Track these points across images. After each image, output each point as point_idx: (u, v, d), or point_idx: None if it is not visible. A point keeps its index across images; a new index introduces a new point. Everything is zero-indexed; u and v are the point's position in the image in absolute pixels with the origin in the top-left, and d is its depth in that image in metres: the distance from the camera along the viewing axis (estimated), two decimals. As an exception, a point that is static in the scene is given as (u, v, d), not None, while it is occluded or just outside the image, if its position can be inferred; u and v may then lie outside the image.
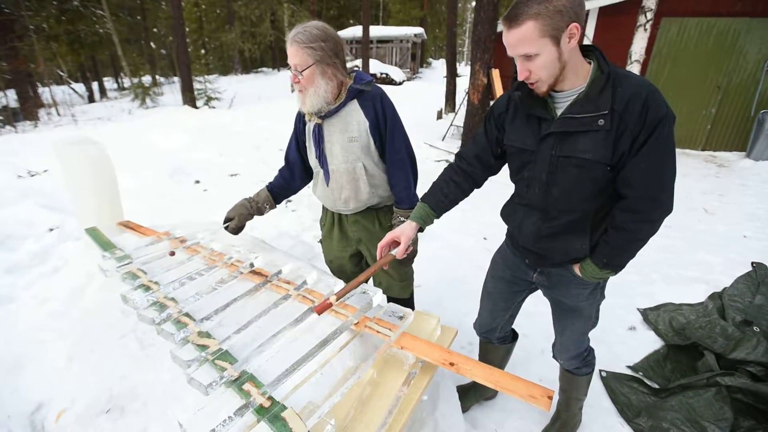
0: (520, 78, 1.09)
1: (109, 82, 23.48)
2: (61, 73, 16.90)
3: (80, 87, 19.05)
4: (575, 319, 1.45)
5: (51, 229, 3.46)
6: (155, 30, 22.02)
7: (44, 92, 14.29)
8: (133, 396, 1.07)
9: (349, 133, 1.55)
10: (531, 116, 1.19)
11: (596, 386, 2.01)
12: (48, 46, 15.31)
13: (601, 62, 1.09)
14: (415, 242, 1.67)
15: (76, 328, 1.37)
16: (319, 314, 1.19)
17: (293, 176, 1.81)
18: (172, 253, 1.66)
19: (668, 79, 6.51)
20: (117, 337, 1.26)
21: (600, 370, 2.08)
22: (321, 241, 1.97)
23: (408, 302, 1.94)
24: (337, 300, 1.22)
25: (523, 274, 1.48)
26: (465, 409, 1.80)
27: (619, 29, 6.04)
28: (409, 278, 1.90)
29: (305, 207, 4.10)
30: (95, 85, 19.84)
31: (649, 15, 5.08)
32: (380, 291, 1.38)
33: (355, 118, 1.54)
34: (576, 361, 1.59)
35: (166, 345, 1.17)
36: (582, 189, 1.16)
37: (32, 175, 5.12)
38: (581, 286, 1.35)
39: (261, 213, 1.81)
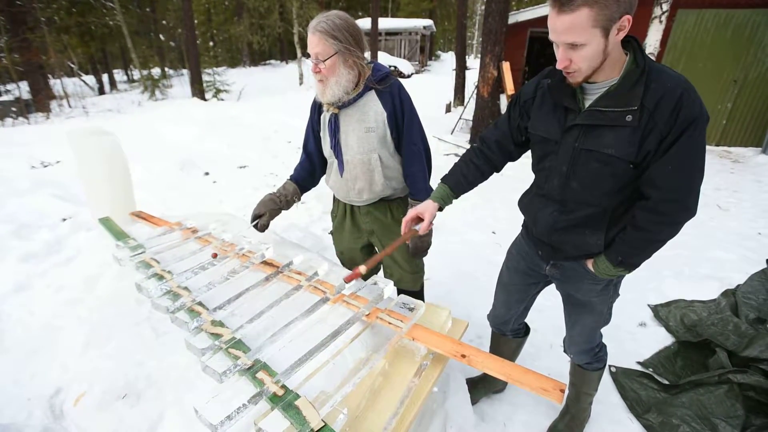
0: (559, 66, 1.04)
1: (118, 74, 23.63)
2: (72, 66, 17.04)
3: (90, 79, 19.20)
4: (586, 314, 1.44)
5: (64, 219, 3.51)
6: (164, 22, 22.05)
7: (55, 84, 14.43)
8: (149, 382, 1.09)
9: (366, 124, 1.54)
10: (558, 106, 1.16)
11: (606, 381, 2.00)
12: (59, 39, 15.43)
13: (638, 55, 1.04)
14: (430, 234, 1.67)
15: (92, 315, 1.40)
16: (347, 282, 1.26)
17: (314, 167, 1.79)
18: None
19: (683, 73, 6.25)
20: (132, 325, 1.28)
21: (609, 366, 2.07)
22: (332, 233, 1.98)
23: (418, 295, 1.95)
24: (366, 270, 1.23)
25: (537, 266, 1.47)
26: (474, 401, 1.80)
27: (633, 21, 5.92)
28: (420, 270, 1.90)
29: (314, 199, 4.11)
30: (105, 77, 19.98)
31: (665, 6, 4.97)
32: (391, 283, 1.39)
33: (372, 109, 1.54)
34: (586, 356, 1.58)
35: (180, 333, 1.18)
36: (602, 184, 1.13)
37: (45, 166, 5.19)
38: (593, 282, 1.34)
39: (289, 207, 1.77)
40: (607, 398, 1.93)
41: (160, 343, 1.20)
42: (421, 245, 1.67)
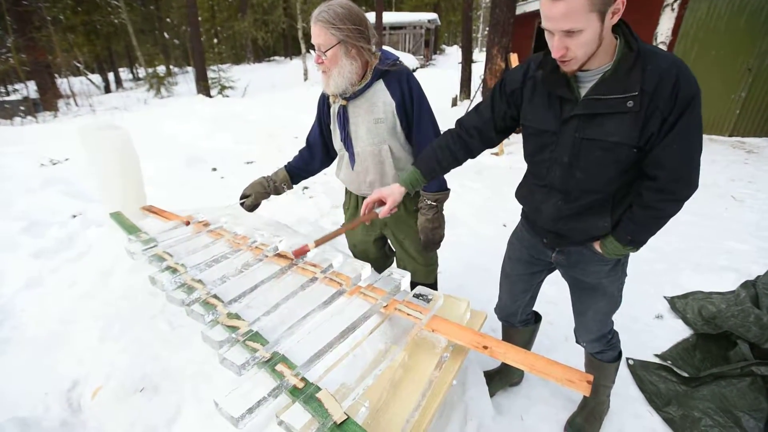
0: (555, 55, 1.00)
1: (124, 73, 23.73)
2: (78, 65, 17.13)
3: (96, 78, 19.29)
4: (598, 298, 1.41)
5: (74, 216, 3.52)
6: (168, 20, 22.08)
7: (62, 83, 14.52)
8: (166, 375, 1.08)
9: (375, 115, 1.51)
10: (553, 96, 1.13)
11: (623, 374, 1.97)
12: (65, 38, 15.53)
13: (630, 38, 1.02)
14: (442, 225, 1.64)
15: (106, 309, 1.39)
16: (297, 257, 1.23)
17: (313, 157, 1.79)
18: (187, 223, 1.74)
19: (696, 62, 6.25)
20: (146, 318, 1.27)
21: (627, 358, 2.04)
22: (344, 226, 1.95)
23: (432, 288, 1.91)
24: (316, 245, 1.23)
25: (541, 254, 1.45)
26: (491, 394, 1.77)
27: (644, 8, 5.80)
28: (433, 263, 1.87)
29: (323, 194, 4.09)
30: (111, 76, 20.08)
31: (678, -7, 4.86)
32: (408, 274, 1.36)
33: (381, 99, 1.50)
34: (599, 343, 1.54)
35: (195, 326, 1.16)
36: (606, 171, 1.12)
37: (54, 164, 5.22)
38: (602, 263, 1.32)
39: (278, 193, 1.81)
40: (625, 391, 1.89)
41: (175, 336, 1.18)
42: (433, 238, 1.64)
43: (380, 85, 1.50)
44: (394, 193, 1.34)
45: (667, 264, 2.87)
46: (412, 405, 0.99)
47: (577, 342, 1.62)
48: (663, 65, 0.98)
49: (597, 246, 1.26)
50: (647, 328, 2.30)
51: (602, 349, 1.56)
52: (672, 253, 2.97)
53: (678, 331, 2.28)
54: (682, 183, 1.08)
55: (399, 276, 1.35)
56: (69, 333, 1.37)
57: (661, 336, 2.24)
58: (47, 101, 11.76)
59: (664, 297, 2.55)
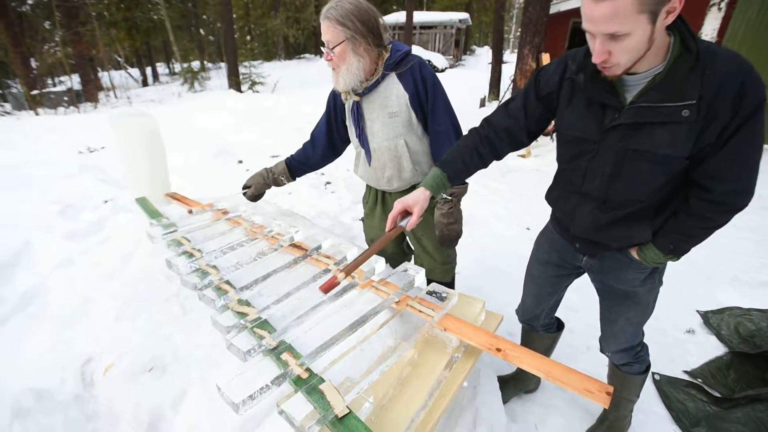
0: (595, 60, 0.90)
1: (161, 67, 24.63)
2: (119, 59, 17.89)
3: (135, 72, 20.10)
4: (630, 306, 1.32)
5: (106, 201, 3.66)
6: (205, 17, 22.77)
7: (103, 76, 15.21)
8: (175, 357, 1.09)
9: (389, 109, 1.48)
10: (593, 102, 1.03)
11: (648, 389, 1.87)
12: (108, 33, 16.24)
13: (687, 37, 0.90)
14: (459, 221, 1.59)
15: (125, 290, 1.42)
16: (325, 293, 1.06)
17: (314, 151, 1.78)
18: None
19: None
20: (161, 300, 1.28)
21: (653, 373, 1.93)
22: (363, 219, 1.93)
23: (449, 286, 1.87)
24: (345, 276, 1.07)
25: (570, 258, 1.37)
26: (505, 401, 1.71)
27: (688, 7, 5.52)
28: (452, 261, 1.82)
29: (344, 188, 4.10)
30: (149, 70, 20.88)
31: (726, -8, 4.60)
32: (423, 271, 1.32)
33: (394, 92, 1.47)
34: (626, 355, 1.45)
35: (207, 311, 1.17)
36: (653, 183, 1.03)
37: (91, 151, 5.45)
38: (638, 270, 1.23)
39: (277, 184, 1.83)
40: (649, 407, 1.79)
41: (187, 320, 1.19)
42: (449, 234, 1.59)
43: (393, 79, 1.47)
44: (419, 201, 1.19)
45: (700, 276, 2.71)
46: (418, 404, 0.95)
47: (601, 351, 1.54)
48: (725, 68, 0.87)
49: (634, 253, 1.17)
50: (677, 342, 2.18)
51: (629, 361, 1.47)
52: (706, 265, 2.80)
53: (711, 348, 2.14)
54: (740, 194, 0.98)
55: (413, 272, 1.32)
56: (88, 311, 1.41)
57: (692, 352, 2.11)
58: (89, 93, 12.34)
59: (697, 311, 2.40)
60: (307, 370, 0.93)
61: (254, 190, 1.83)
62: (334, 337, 1.01)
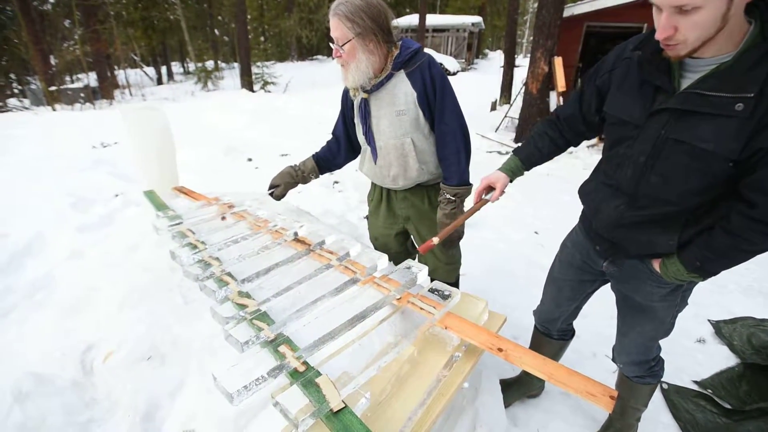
0: (659, 36, 0.83)
1: (176, 66, 25.00)
2: (135, 57, 18.21)
3: (150, 70, 20.44)
4: (644, 320, 1.26)
5: (116, 195, 3.70)
6: (219, 18, 23.08)
7: (119, 74, 15.50)
8: (174, 347, 1.09)
9: (397, 107, 1.46)
10: (646, 83, 0.96)
11: (655, 398, 1.81)
12: (125, 32, 16.56)
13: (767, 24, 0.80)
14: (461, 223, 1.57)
15: (129, 279, 1.43)
16: (423, 253, 1.28)
17: (339, 150, 1.78)
18: (224, 218, 1.71)
19: None
20: (164, 291, 1.29)
21: (661, 382, 1.88)
22: (367, 217, 1.92)
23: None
24: (439, 241, 1.25)
25: (592, 262, 1.31)
26: (507, 404, 1.69)
27: None
28: (456, 261, 1.80)
29: (352, 188, 4.10)
30: (164, 69, 21.21)
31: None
32: (426, 268, 1.31)
33: (402, 90, 1.45)
34: (639, 368, 1.40)
35: (208, 302, 1.17)
36: (688, 181, 0.93)
37: (104, 146, 5.54)
38: (657, 284, 1.15)
39: (305, 182, 1.82)
40: (656, 416, 1.74)
41: (188, 310, 1.20)
42: (452, 235, 1.57)
43: (401, 76, 1.45)
44: (500, 178, 1.31)
45: (713, 284, 2.64)
46: (416, 402, 0.94)
47: (613, 360, 1.49)
48: None
49: (656, 265, 1.10)
50: (686, 351, 2.12)
51: (641, 374, 1.41)
52: (721, 273, 2.73)
53: (722, 359, 2.08)
54: None
55: (416, 269, 1.30)
56: (92, 299, 1.42)
57: (702, 362, 2.05)
58: (105, 90, 12.58)
59: (709, 320, 2.34)
60: (305, 363, 0.92)
61: (284, 189, 1.79)
62: (332, 331, 1.00)
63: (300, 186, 1.86)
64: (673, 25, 0.80)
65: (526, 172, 1.38)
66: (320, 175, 1.85)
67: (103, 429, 0.95)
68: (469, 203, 1.63)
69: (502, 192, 1.31)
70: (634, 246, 1.11)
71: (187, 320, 1.17)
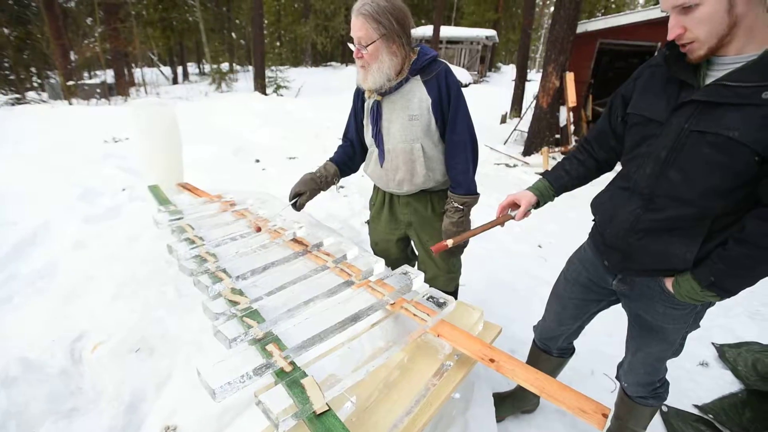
0: (670, 37, 0.88)
1: (192, 67, 25.40)
2: (153, 56, 18.56)
3: (167, 70, 20.79)
4: (654, 340, 1.21)
5: (123, 189, 3.75)
6: (237, 21, 23.47)
7: (136, 72, 15.78)
8: (163, 340, 1.08)
9: (410, 111, 1.46)
10: (671, 81, 0.96)
11: (654, 421, 1.76)
12: (144, 31, 16.88)
13: None
14: (467, 231, 1.56)
15: (126, 271, 1.43)
16: (435, 253, 1.25)
17: (356, 153, 1.75)
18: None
19: None
20: (159, 284, 1.29)
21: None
22: (368, 222, 1.92)
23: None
24: (453, 244, 1.24)
25: (601, 280, 1.27)
26: (499, 419, 1.65)
27: None
28: (456, 271, 1.78)
29: (356, 193, 4.10)
30: (180, 69, 21.57)
31: None
32: (422, 275, 1.30)
33: (417, 96, 1.45)
34: (643, 389, 1.36)
35: (201, 297, 1.17)
36: (709, 177, 0.90)
37: (116, 141, 5.62)
38: (671, 306, 1.10)
39: (327, 188, 1.74)
40: (654, 440, 1.70)
41: (180, 304, 1.19)
42: (456, 246, 1.56)
43: (417, 82, 1.46)
44: (527, 196, 1.29)
45: (718, 306, 2.55)
46: (402, 410, 0.92)
47: (617, 378, 1.45)
48: None
49: (668, 283, 1.05)
50: (688, 374, 2.07)
51: (645, 395, 1.37)
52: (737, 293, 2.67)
53: (725, 384, 2.03)
54: None
55: (413, 275, 1.29)
56: (88, 289, 1.43)
57: (704, 386, 2.00)
58: (121, 86, 12.80)
59: (713, 343, 2.28)
60: (291, 363, 0.91)
61: (309, 197, 1.66)
62: (322, 332, 0.99)
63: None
64: (681, 25, 0.85)
65: (556, 198, 1.35)
66: (341, 181, 1.80)
67: (84, 419, 0.94)
68: (478, 215, 1.63)
69: (527, 212, 1.28)
70: (647, 258, 1.06)
71: (178, 314, 1.16)
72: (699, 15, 0.82)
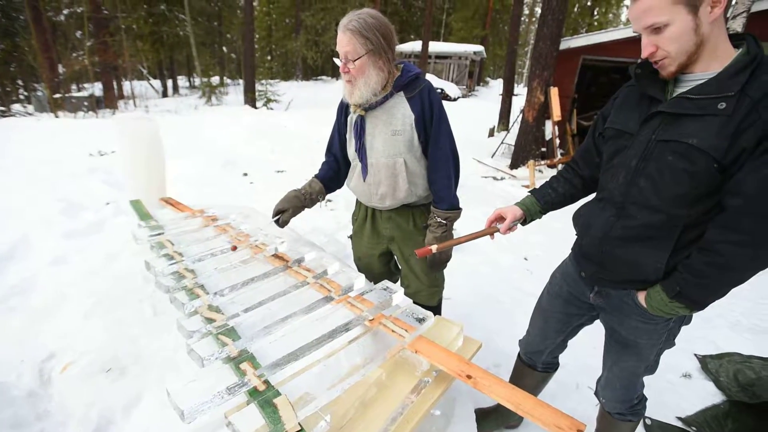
0: (643, 55, 0.95)
1: (182, 80, 25.37)
2: (143, 69, 18.53)
3: (157, 83, 20.75)
4: (627, 355, 1.23)
5: (108, 203, 3.69)
6: (228, 35, 23.62)
7: (125, 85, 15.72)
8: (136, 359, 1.06)
9: (393, 126, 1.48)
10: (643, 97, 1.04)
11: (638, 434, 1.77)
12: (134, 44, 16.87)
13: (752, 45, 0.90)
14: (450, 247, 1.57)
15: (102, 288, 1.41)
16: (419, 257, 1.27)
17: (340, 169, 1.75)
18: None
19: None
20: (135, 301, 1.27)
21: (644, 417, 1.83)
22: (351, 237, 1.91)
23: (435, 311, 1.83)
24: (437, 250, 1.26)
25: (580, 294, 1.30)
26: (482, 435, 1.64)
27: None
28: (439, 285, 1.78)
29: (343, 207, 4.10)
30: (170, 82, 21.54)
31: None
32: (402, 290, 1.30)
33: (400, 111, 1.48)
34: (620, 405, 1.37)
35: (177, 315, 1.15)
36: (674, 184, 0.95)
37: (101, 155, 5.56)
38: (643, 319, 1.13)
39: (312, 205, 1.74)
40: (638, 454, 1.69)
41: (156, 322, 1.17)
42: (439, 257, 1.57)
43: (400, 97, 1.48)
44: (512, 210, 1.33)
45: (700, 318, 2.60)
46: (379, 428, 0.91)
47: (596, 395, 1.46)
48: None
49: (641, 297, 1.08)
50: (671, 386, 2.08)
51: (623, 411, 1.38)
52: (709, 306, 2.71)
53: (707, 395, 2.04)
54: (760, 221, 0.85)
55: (392, 290, 1.29)
56: (61, 306, 1.39)
57: (687, 397, 2.01)
58: (109, 99, 12.72)
59: (695, 354, 2.31)
60: (266, 382, 0.90)
61: (292, 214, 1.65)
62: (299, 349, 0.98)
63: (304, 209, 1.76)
64: (653, 44, 0.92)
65: (544, 216, 1.38)
66: (326, 196, 1.79)
67: (50, 443, 0.91)
68: (463, 228, 1.64)
69: (512, 226, 1.31)
70: (621, 268, 1.09)
71: (154, 333, 1.14)
72: (668, 34, 0.89)
